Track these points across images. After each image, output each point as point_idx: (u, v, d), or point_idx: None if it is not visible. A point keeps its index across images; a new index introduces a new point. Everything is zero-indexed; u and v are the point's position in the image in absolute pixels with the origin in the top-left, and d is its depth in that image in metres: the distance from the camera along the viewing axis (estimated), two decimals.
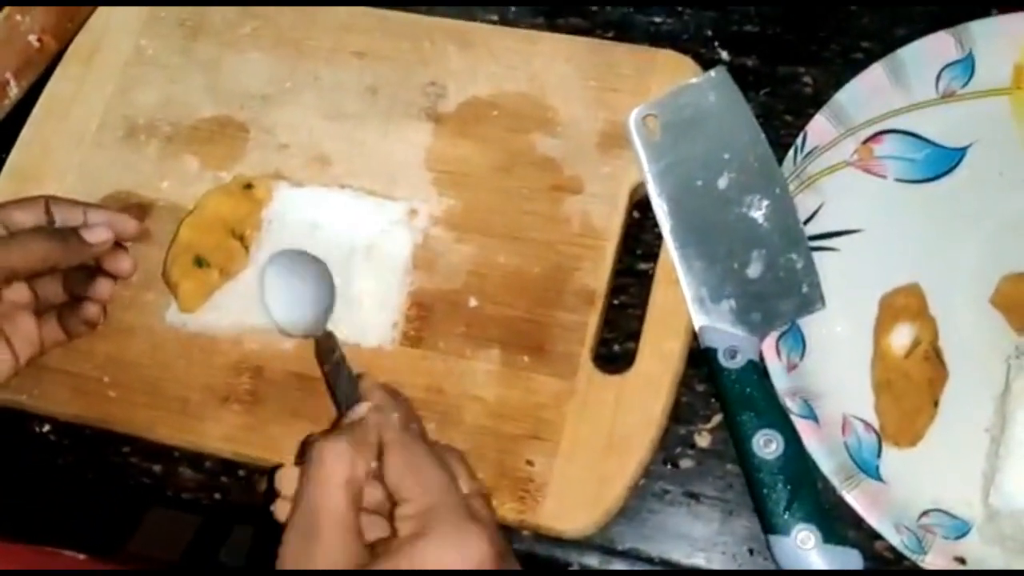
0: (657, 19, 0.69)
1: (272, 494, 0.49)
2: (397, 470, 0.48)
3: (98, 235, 0.61)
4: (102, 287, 0.63)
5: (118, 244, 0.63)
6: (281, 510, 0.48)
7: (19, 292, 0.61)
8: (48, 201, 0.62)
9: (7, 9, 0.71)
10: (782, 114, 0.65)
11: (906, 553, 0.54)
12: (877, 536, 0.54)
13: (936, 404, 0.57)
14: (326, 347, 0.58)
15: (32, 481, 0.66)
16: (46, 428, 0.64)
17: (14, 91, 0.71)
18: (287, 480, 0.48)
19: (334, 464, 0.46)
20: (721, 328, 0.58)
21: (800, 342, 0.59)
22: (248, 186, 0.65)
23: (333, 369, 0.56)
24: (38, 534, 0.75)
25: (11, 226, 0.60)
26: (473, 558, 0.45)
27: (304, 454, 0.48)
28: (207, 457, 0.62)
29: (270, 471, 0.50)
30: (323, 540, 0.45)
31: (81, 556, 0.72)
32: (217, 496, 0.61)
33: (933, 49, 0.62)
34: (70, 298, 0.63)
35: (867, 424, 0.57)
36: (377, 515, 0.49)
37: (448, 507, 0.47)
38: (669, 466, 0.59)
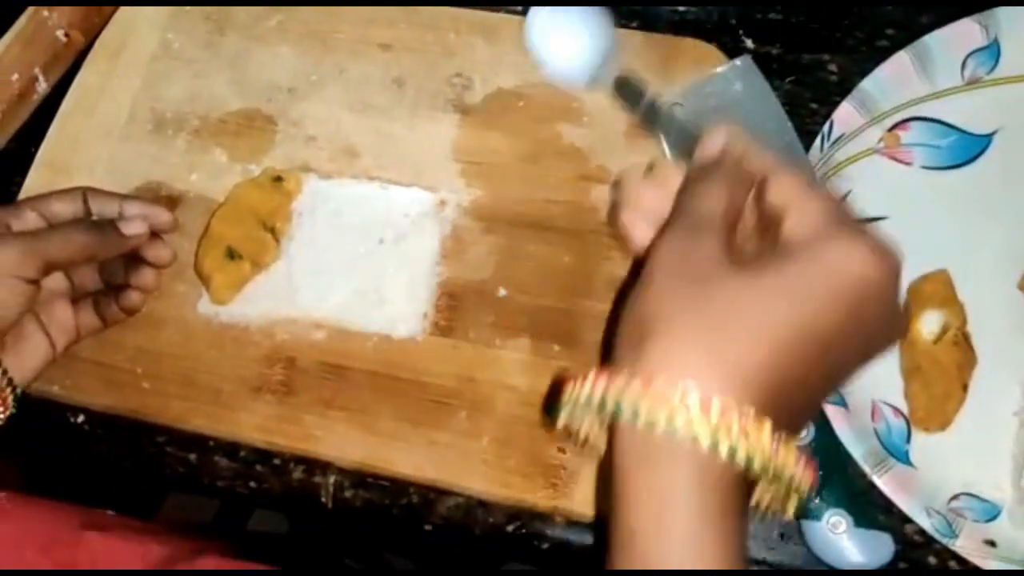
0: (681, 8, 0.69)
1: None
2: (785, 188, 0.44)
3: (134, 228, 0.61)
4: (146, 276, 0.63)
5: (154, 234, 0.64)
6: (631, 221, 0.48)
7: (56, 280, 0.62)
8: (86, 192, 0.63)
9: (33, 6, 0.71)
10: (808, 102, 0.65)
11: (937, 536, 0.54)
12: (908, 520, 0.55)
13: (965, 389, 0.57)
14: (628, 89, 0.54)
15: (67, 470, 0.66)
16: (81, 418, 0.65)
17: (42, 86, 0.72)
18: (639, 195, 0.48)
19: (718, 190, 0.45)
20: None
21: None
22: (278, 179, 0.66)
23: (648, 110, 0.53)
24: None
25: (50, 217, 0.61)
26: (891, 266, 0.41)
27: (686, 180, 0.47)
28: (242, 446, 0.62)
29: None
30: (706, 237, 0.42)
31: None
32: (252, 484, 0.62)
33: (958, 36, 0.63)
34: (106, 286, 0.64)
35: (896, 410, 0.58)
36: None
37: (853, 219, 0.43)
38: None
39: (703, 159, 0.48)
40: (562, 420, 0.41)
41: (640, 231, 0.48)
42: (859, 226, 0.43)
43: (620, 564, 0.40)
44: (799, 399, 0.41)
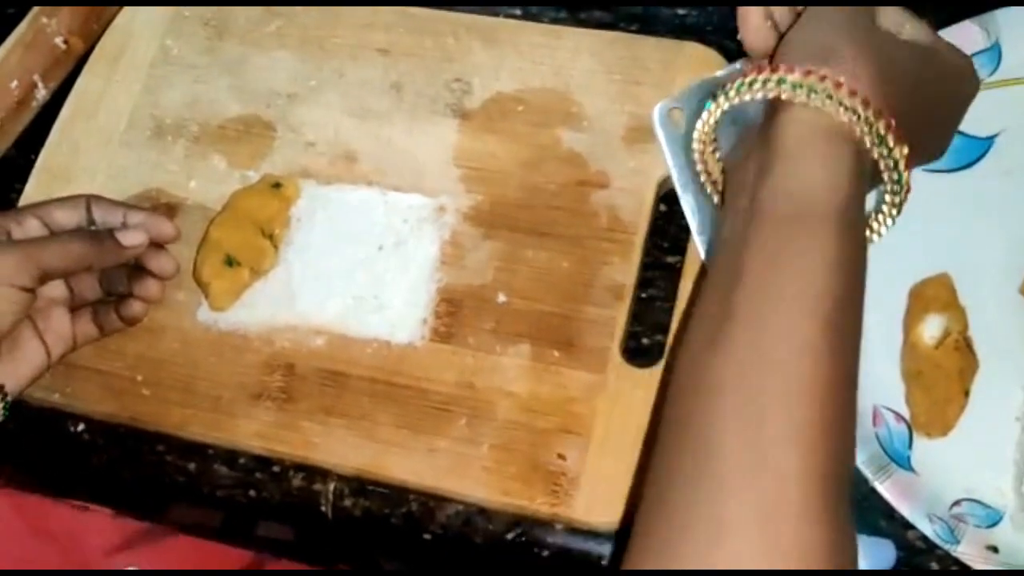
0: (681, 11, 0.69)
1: None
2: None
3: (132, 238, 0.61)
4: (149, 287, 0.63)
5: (158, 244, 0.63)
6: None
7: (55, 288, 0.62)
8: (90, 200, 0.62)
9: (33, 11, 0.71)
10: None
11: (939, 543, 0.54)
12: (909, 526, 0.55)
13: (967, 394, 0.57)
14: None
15: (68, 481, 0.66)
16: (81, 427, 0.65)
17: (42, 92, 0.72)
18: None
19: None
20: None
21: None
22: (277, 185, 0.66)
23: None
24: None
25: (52, 225, 0.61)
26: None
27: None
28: (241, 454, 0.62)
29: None
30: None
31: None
32: (252, 493, 0.62)
33: (959, 38, 0.61)
34: (108, 295, 0.64)
35: (898, 415, 0.57)
36: None
37: None
38: None
39: None
40: (721, 103, 0.50)
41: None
42: None
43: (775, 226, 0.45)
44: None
